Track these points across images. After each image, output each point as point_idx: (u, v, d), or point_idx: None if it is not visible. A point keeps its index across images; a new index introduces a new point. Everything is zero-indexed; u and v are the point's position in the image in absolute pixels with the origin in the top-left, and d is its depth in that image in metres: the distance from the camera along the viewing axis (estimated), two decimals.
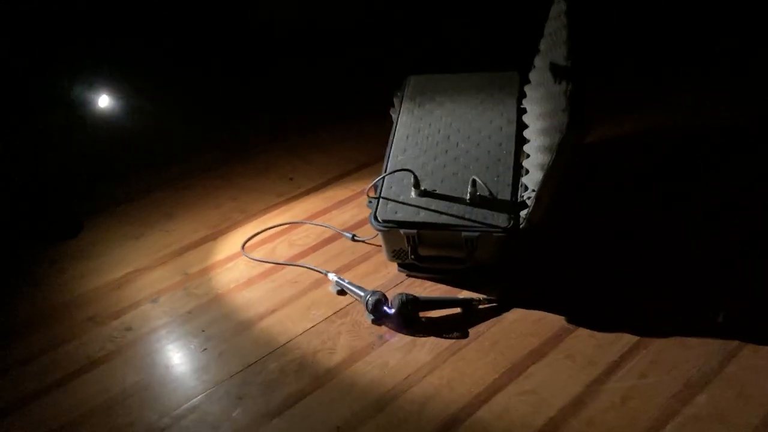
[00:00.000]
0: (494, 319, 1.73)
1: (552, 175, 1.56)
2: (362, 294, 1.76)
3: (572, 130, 1.44)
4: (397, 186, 1.85)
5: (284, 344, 1.70)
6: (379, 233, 1.82)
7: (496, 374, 1.57)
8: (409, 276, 1.91)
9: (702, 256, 1.89)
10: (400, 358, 1.63)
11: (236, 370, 1.64)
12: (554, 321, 1.71)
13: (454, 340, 1.67)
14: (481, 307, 1.78)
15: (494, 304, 1.78)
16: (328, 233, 2.13)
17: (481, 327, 1.71)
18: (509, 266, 1.87)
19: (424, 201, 1.80)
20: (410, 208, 1.79)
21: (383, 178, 1.85)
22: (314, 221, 2.20)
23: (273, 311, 1.82)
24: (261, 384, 1.59)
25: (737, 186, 2.22)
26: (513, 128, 1.95)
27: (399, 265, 1.93)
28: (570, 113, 1.45)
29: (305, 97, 3.09)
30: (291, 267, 1.98)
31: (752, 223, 2.02)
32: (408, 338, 1.69)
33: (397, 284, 1.88)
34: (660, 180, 2.29)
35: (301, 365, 1.63)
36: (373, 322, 1.75)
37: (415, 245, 1.80)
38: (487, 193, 1.77)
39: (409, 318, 1.74)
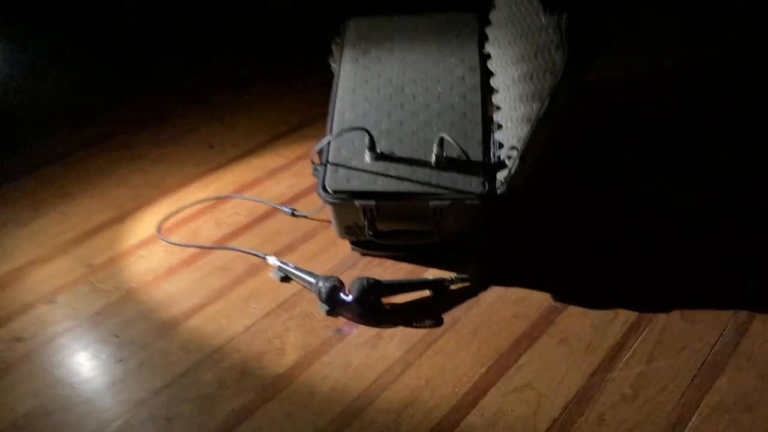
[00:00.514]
0: (471, 302, 1.46)
1: (541, 128, 1.30)
2: (312, 280, 1.46)
3: (571, 71, 1.17)
4: (348, 149, 1.54)
5: (220, 347, 1.38)
6: (329, 206, 1.51)
7: (483, 368, 1.31)
8: (364, 255, 1.62)
9: (694, 220, 1.69)
10: (365, 356, 1.34)
11: (162, 385, 1.30)
12: (540, 299, 1.47)
13: (427, 330, 1.40)
14: (453, 287, 1.51)
15: (468, 284, 1.51)
16: (262, 208, 1.80)
17: (456, 312, 1.44)
18: (483, 240, 1.60)
19: (381, 166, 1.50)
20: (366, 175, 1.49)
21: (330, 141, 1.53)
22: (244, 195, 1.87)
23: (203, 307, 1.49)
24: (195, 400, 1.27)
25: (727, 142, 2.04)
26: (477, 77, 1.67)
27: (352, 243, 1.63)
28: (567, 50, 1.18)
29: (224, 52, 2.71)
30: (220, 251, 1.65)
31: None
32: (372, 330, 1.41)
33: (352, 266, 1.59)
34: (657, 133, 2.07)
35: (243, 373, 1.32)
36: (328, 313, 1.46)
37: (372, 219, 1.50)
38: (457, 154, 1.48)
39: (372, 306, 1.45)
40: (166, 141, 2.15)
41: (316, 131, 2.07)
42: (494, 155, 1.52)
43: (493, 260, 1.59)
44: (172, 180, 1.95)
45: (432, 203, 1.46)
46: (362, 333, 1.41)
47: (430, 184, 1.47)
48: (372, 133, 1.50)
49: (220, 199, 1.85)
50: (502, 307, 1.45)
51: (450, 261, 1.57)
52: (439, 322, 1.42)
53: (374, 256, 1.61)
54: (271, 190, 1.89)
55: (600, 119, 2.13)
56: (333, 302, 1.45)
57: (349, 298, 1.43)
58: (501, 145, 1.52)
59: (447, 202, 1.45)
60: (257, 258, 1.62)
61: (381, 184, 1.48)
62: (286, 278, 1.55)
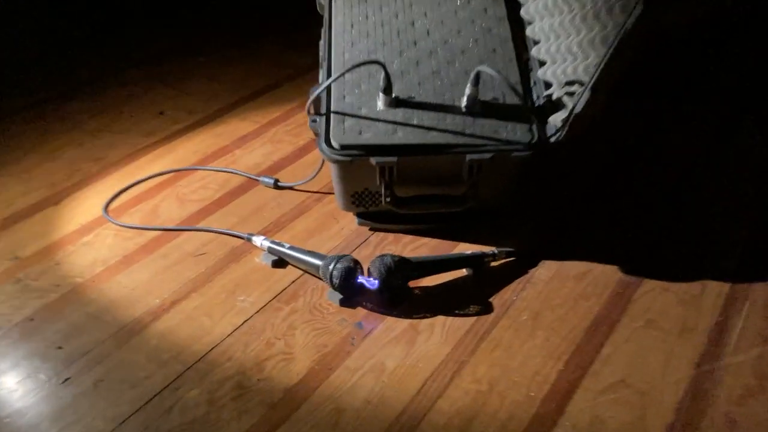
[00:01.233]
0: (521, 280, 1.15)
1: (622, 50, 0.99)
2: (318, 262, 1.12)
3: None
4: (354, 95, 1.20)
5: (205, 355, 1.02)
6: (333, 168, 1.17)
7: (559, 363, 1.00)
8: (374, 230, 1.28)
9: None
10: (402, 357, 1.01)
11: (130, 410, 0.94)
12: (606, 274, 1.17)
13: (474, 318, 1.08)
14: (494, 264, 1.18)
15: (513, 258, 1.19)
16: (236, 181, 1.44)
17: (506, 294, 1.12)
18: (526, 204, 1.29)
19: (399, 113, 1.17)
20: (381, 125, 1.16)
21: (330, 83, 1.19)
22: (211, 166, 1.49)
23: (175, 303, 1.12)
24: (179, 428, 0.91)
25: None
26: (502, 7, 1.35)
27: (359, 216, 1.29)
28: None
29: (169, 10, 2.31)
30: (189, 233, 1.29)
31: None
32: (402, 323, 1.07)
33: (361, 244, 1.25)
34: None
35: (241, 388, 0.97)
36: (342, 303, 1.12)
37: (391, 182, 1.17)
38: (492, 96, 1.18)
39: (399, 291, 1.11)
40: (106, 109, 1.76)
41: (289, 93, 1.75)
42: (538, 97, 1.20)
43: (539, 229, 1.28)
44: (116, 153, 1.56)
45: (469, 157, 1.14)
46: (391, 326, 1.07)
47: (464, 134, 1.15)
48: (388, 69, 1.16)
49: (181, 172, 1.48)
50: (562, 286, 1.14)
51: (484, 234, 1.26)
52: (487, 308, 1.10)
53: (388, 231, 1.28)
54: (244, 159, 1.53)
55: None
56: (349, 289, 1.11)
57: (370, 282, 1.09)
58: (548, 85, 1.21)
59: (488, 156, 1.13)
60: (238, 239, 1.26)
61: (402, 136, 1.15)
62: (279, 262, 1.20)
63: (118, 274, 1.20)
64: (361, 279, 1.11)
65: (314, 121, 1.20)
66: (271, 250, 1.21)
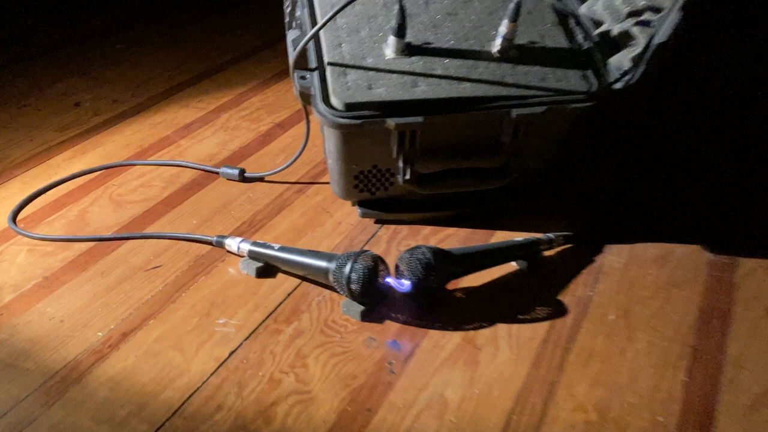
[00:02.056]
0: (589, 271, 0.88)
1: None
2: (324, 264, 0.81)
3: None
4: (352, 42, 0.91)
5: (182, 406, 0.70)
6: (331, 137, 0.87)
7: (680, 373, 0.75)
8: (380, 223, 0.98)
9: None
10: (467, 385, 0.72)
11: None
12: (691, 255, 0.92)
13: (547, 323, 0.80)
14: (548, 254, 0.91)
15: (571, 245, 0.92)
16: (188, 175, 1.11)
17: (576, 289, 0.85)
18: (569, 179, 1.03)
19: (416, 63, 0.88)
20: (397, 77, 0.86)
21: (322, 26, 0.89)
22: (152, 160, 1.15)
23: (125, 336, 0.79)
24: None
25: None
26: None
27: (361, 205, 0.98)
28: None
29: None
30: (135, 242, 0.94)
31: None
32: (452, 337, 0.78)
33: (368, 241, 0.95)
34: None
35: None
36: (365, 316, 0.80)
37: (413, 152, 0.87)
38: (528, 40, 0.91)
39: (438, 294, 0.82)
40: (1, 104, 1.37)
41: (236, 76, 1.46)
42: (585, 38, 0.94)
43: (594, 207, 1.01)
44: (21, 151, 1.19)
45: (516, 112, 0.85)
46: (438, 343, 0.77)
47: (504, 84, 0.87)
48: (379, 19, 0.87)
49: (113, 169, 1.13)
50: (643, 273, 0.87)
51: (522, 218, 0.98)
52: (559, 309, 0.82)
53: (399, 222, 0.98)
54: (193, 150, 1.19)
55: None
56: (372, 296, 0.80)
57: (401, 284, 0.79)
58: (596, 23, 0.95)
59: (540, 109, 0.86)
60: (204, 245, 0.93)
61: (427, 89, 0.86)
62: (266, 270, 0.88)
63: (38, 301, 0.84)
64: (389, 280, 0.80)
65: (304, 77, 0.89)
66: (253, 255, 0.89)
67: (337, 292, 0.84)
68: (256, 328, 0.81)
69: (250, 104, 1.37)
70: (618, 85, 0.89)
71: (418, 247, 0.82)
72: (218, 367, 0.75)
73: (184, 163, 1.15)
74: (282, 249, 0.88)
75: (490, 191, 0.97)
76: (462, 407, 0.70)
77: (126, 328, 0.81)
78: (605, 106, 0.89)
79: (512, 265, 0.90)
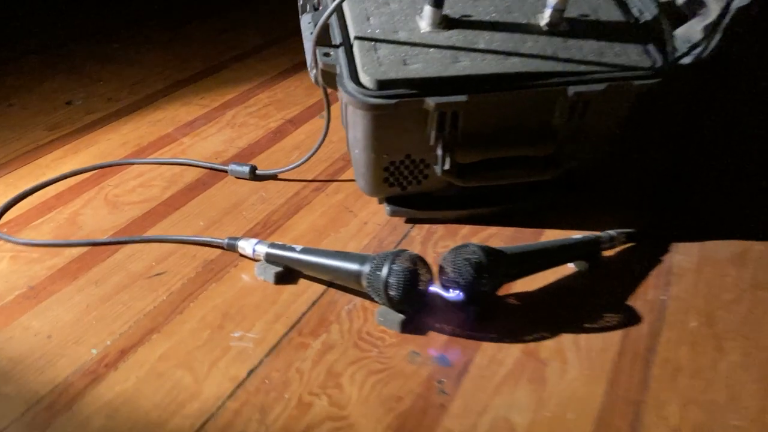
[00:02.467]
0: (658, 273, 0.76)
1: None
2: (359, 267, 0.69)
3: None
4: (382, 15, 0.80)
5: None
6: (357, 127, 0.76)
7: None
8: (411, 222, 0.87)
9: None
10: (535, 407, 0.61)
11: None
12: None
13: (618, 332, 0.67)
14: (608, 254, 0.79)
15: (631, 244, 0.80)
16: (192, 174, 0.99)
17: (646, 293, 0.73)
18: (628, 168, 0.91)
19: (456, 36, 0.77)
20: (435, 51, 0.75)
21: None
22: (151, 158, 1.03)
23: (124, 353, 0.66)
24: None
25: None
26: None
27: (390, 202, 0.87)
28: None
29: None
30: (133, 246, 0.82)
31: None
32: (511, 350, 0.67)
33: (400, 242, 0.84)
34: None
35: None
36: (405, 327, 0.68)
37: (454, 138, 0.76)
38: (580, 13, 0.80)
39: (489, 301, 0.70)
40: None
41: (241, 73, 1.36)
42: (641, 12, 0.83)
43: (657, 201, 0.90)
44: (5, 151, 1.09)
45: (573, 90, 0.74)
46: (494, 357, 0.65)
47: (558, 59, 0.76)
48: None
49: (108, 169, 1.01)
50: (721, 274, 0.76)
51: (578, 215, 0.87)
52: (630, 316, 0.70)
53: (433, 221, 0.86)
54: (196, 148, 1.07)
55: None
56: (413, 302, 0.68)
57: (451, 290, 0.67)
58: None
59: (601, 86, 0.74)
60: (213, 249, 0.81)
61: (470, 65, 0.74)
62: (285, 275, 0.76)
63: (21, 314, 0.72)
64: (434, 288, 0.68)
65: (327, 54, 0.78)
66: (271, 258, 0.77)
67: (371, 299, 0.72)
68: (278, 342, 0.68)
69: (257, 101, 1.26)
70: (687, 60, 0.78)
71: (464, 245, 0.71)
72: (236, 389, 0.63)
73: (187, 161, 1.03)
74: (305, 251, 0.76)
75: (539, 184, 0.85)
76: None
77: (125, 344, 0.68)
78: (672, 83, 0.78)
79: (569, 267, 0.78)
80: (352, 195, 0.94)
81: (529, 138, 0.81)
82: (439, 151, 0.78)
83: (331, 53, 0.78)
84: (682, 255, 0.80)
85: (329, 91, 0.81)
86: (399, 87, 0.74)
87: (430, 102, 0.73)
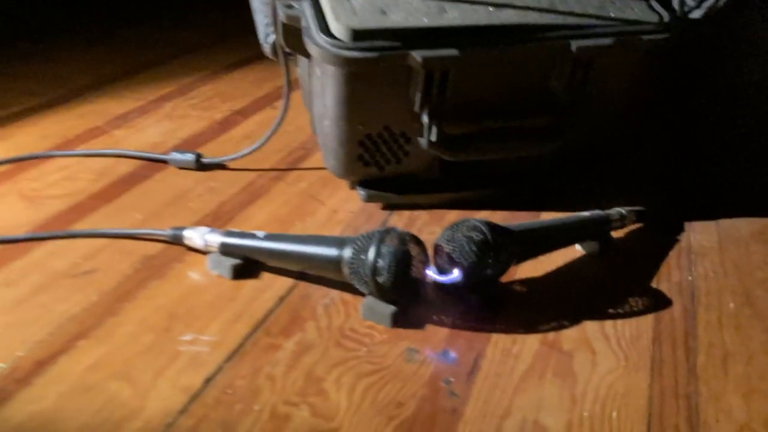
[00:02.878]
0: (676, 253, 0.66)
1: None
2: (337, 252, 0.56)
3: None
4: None
5: None
6: (327, 91, 0.64)
7: None
8: (390, 208, 0.75)
9: None
10: (569, 405, 0.49)
11: None
12: None
13: (649, 317, 0.56)
14: (617, 235, 0.69)
15: (642, 224, 0.71)
16: (125, 167, 0.86)
17: (672, 274, 0.63)
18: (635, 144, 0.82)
19: None
20: (417, 1, 0.64)
21: None
22: (78, 150, 0.89)
23: (41, 365, 0.51)
24: None
25: None
26: None
27: (364, 186, 0.75)
28: None
29: None
30: (57, 242, 0.68)
31: None
32: (528, 341, 0.55)
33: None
34: None
35: None
36: (396, 320, 0.55)
37: (441, 102, 0.65)
38: None
39: (493, 287, 0.58)
40: None
41: (181, 69, 1.23)
42: None
43: (667, 179, 0.80)
44: None
45: (576, 45, 0.64)
46: (508, 351, 0.54)
47: (556, 11, 0.66)
48: None
49: (25, 162, 0.86)
50: (746, 253, 0.67)
51: (579, 197, 0.76)
52: (659, 299, 0.60)
53: (414, 207, 0.74)
54: (130, 141, 0.94)
55: None
56: (407, 290, 0.56)
57: (449, 274, 0.55)
58: None
59: (608, 41, 0.65)
60: (155, 243, 0.67)
61: (459, 17, 0.63)
62: (244, 268, 0.62)
63: None
64: (432, 273, 0.56)
65: (290, 6, 0.65)
66: (227, 249, 0.63)
67: (351, 291, 0.59)
68: (241, 345, 0.55)
69: (199, 93, 1.13)
70: (697, 13, 0.69)
71: (464, 221, 0.59)
72: (190, 402, 0.49)
73: (120, 152, 0.88)
74: (270, 237, 0.63)
75: (536, 162, 0.74)
76: None
77: (43, 353, 0.53)
78: (682, 40, 0.69)
79: (576, 249, 0.67)
80: (318, 182, 0.82)
81: (527, 106, 0.70)
82: (426, 119, 0.67)
83: (294, 5, 0.66)
84: (700, 234, 0.71)
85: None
86: (378, 39, 0.62)
87: (417, 57, 0.62)
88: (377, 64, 0.62)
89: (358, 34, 0.62)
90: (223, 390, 0.51)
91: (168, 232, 0.68)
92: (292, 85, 0.76)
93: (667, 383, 0.51)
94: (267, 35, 0.80)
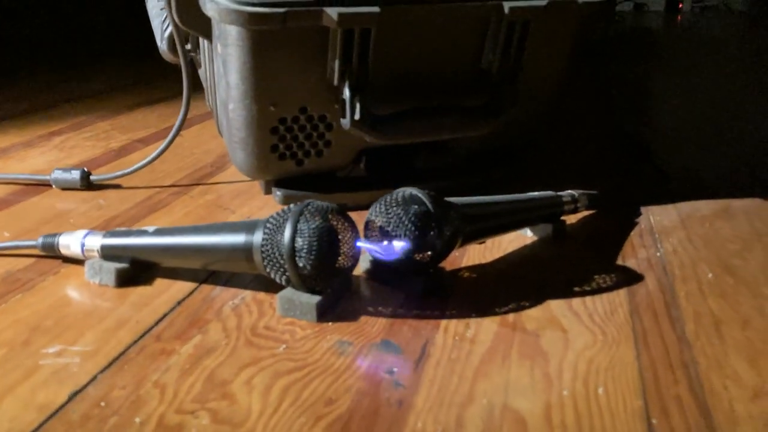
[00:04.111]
0: (638, 233, 0.59)
1: None
2: (244, 238, 0.46)
3: None
4: None
5: None
6: (230, 63, 0.55)
7: None
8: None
9: None
10: (544, 387, 0.38)
11: None
12: (763, 207, 0.65)
13: (622, 291, 0.47)
14: (570, 221, 0.61)
15: (595, 209, 0.63)
16: None
17: (637, 252, 0.55)
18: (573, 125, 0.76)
19: None
20: None
21: None
22: None
23: None
24: None
25: None
26: None
27: (279, 186, 0.65)
28: None
29: None
30: None
31: None
32: (479, 325, 0.45)
33: None
34: None
35: None
36: (322, 313, 0.44)
37: (364, 72, 0.56)
38: None
39: (439, 273, 0.49)
40: None
41: (75, 110, 1.10)
42: None
43: (615, 164, 0.74)
44: None
45: (509, 6, 0.58)
46: (461, 335, 0.44)
47: None
48: None
49: None
50: (712, 229, 0.61)
51: (520, 187, 0.68)
52: (627, 274, 0.51)
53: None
54: (10, 169, 0.81)
55: None
56: (334, 276, 0.45)
57: (390, 248, 0.45)
58: None
59: (542, 2, 0.59)
60: (19, 258, 0.54)
61: None
62: (132, 271, 0.50)
63: None
64: (363, 243, 0.46)
65: None
66: (110, 251, 0.51)
67: (267, 287, 0.48)
68: (123, 353, 0.42)
69: (96, 128, 1.01)
70: None
71: (398, 191, 0.49)
72: (46, 421, 0.36)
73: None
74: (163, 231, 0.51)
75: (470, 152, 0.66)
76: (554, 422, 0.35)
77: None
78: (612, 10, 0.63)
79: (526, 236, 0.58)
80: (228, 194, 0.71)
81: (461, 83, 0.62)
82: (347, 93, 0.58)
83: None
84: (659, 216, 0.64)
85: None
86: None
87: (332, 14, 0.53)
88: (285, 22, 0.53)
89: None
90: (94, 403, 0.38)
91: (38, 241, 0.55)
92: (192, 83, 0.66)
93: (657, 353, 0.42)
94: (163, 34, 0.70)
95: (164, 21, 0.72)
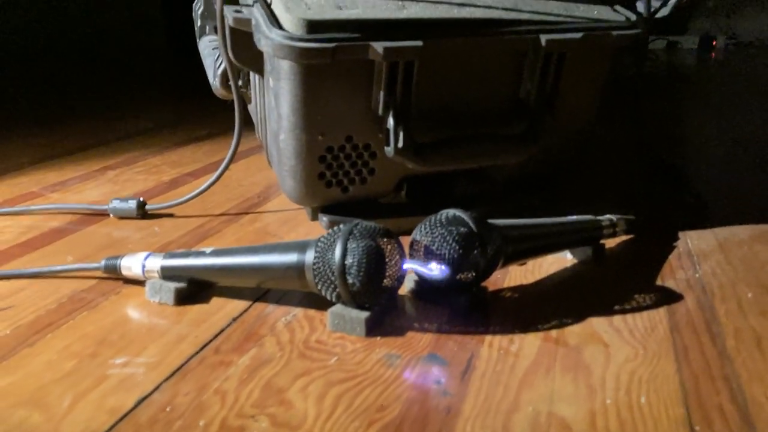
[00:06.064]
0: (677, 256, 0.60)
1: None
2: (296, 258, 0.49)
3: None
4: None
5: None
6: (282, 96, 0.59)
7: None
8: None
9: None
10: (586, 396, 0.40)
11: None
12: None
13: (661, 309, 0.48)
14: (609, 245, 0.62)
15: (633, 234, 0.65)
16: (59, 221, 0.77)
17: (675, 273, 0.56)
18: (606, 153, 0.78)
19: None
20: None
21: None
22: (5, 208, 0.80)
23: None
24: None
25: None
26: None
27: (326, 212, 0.68)
28: None
29: None
30: None
31: None
32: (523, 340, 0.47)
33: None
34: None
35: None
36: (371, 327, 0.46)
37: (406, 102, 0.59)
38: None
39: (482, 292, 0.51)
40: None
41: (127, 146, 1.15)
42: None
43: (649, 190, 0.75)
44: None
45: (546, 38, 0.61)
46: (506, 349, 0.46)
47: (519, 10, 0.63)
48: None
49: None
50: (751, 251, 0.62)
51: (557, 211, 0.70)
52: (667, 294, 0.52)
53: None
54: (68, 200, 0.86)
55: None
56: (381, 293, 0.47)
57: (439, 269, 0.47)
58: None
59: (578, 35, 0.61)
60: (84, 279, 0.57)
61: (419, 11, 0.60)
62: (190, 291, 0.53)
63: None
64: (411, 265, 0.48)
65: (239, 11, 0.61)
66: (169, 272, 0.55)
67: (318, 305, 0.51)
68: (184, 364, 0.45)
69: (147, 163, 1.06)
70: (665, 11, 0.67)
71: (442, 212, 0.52)
72: (116, 423, 0.38)
73: (53, 207, 0.80)
74: (219, 252, 0.54)
75: (508, 179, 0.69)
76: (598, 427, 0.37)
77: None
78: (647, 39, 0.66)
79: (566, 259, 0.60)
80: (276, 222, 0.74)
81: (500, 111, 0.65)
82: (391, 122, 0.61)
83: (243, 10, 0.61)
84: (697, 240, 0.65)
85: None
86: (334, 31, 0.57)
87: (378, 48, 0.57)
88: (334, 56, 0.56)
89: (312, 26, 0.57)
90: (160, 408, 0.41)
91: (101, 263, 0.59)
92: (244, 119, 0.70)
93: (698, 367, 0.43)
94: (216, 71, 0.75)
95: (217, 59, 0.77)
